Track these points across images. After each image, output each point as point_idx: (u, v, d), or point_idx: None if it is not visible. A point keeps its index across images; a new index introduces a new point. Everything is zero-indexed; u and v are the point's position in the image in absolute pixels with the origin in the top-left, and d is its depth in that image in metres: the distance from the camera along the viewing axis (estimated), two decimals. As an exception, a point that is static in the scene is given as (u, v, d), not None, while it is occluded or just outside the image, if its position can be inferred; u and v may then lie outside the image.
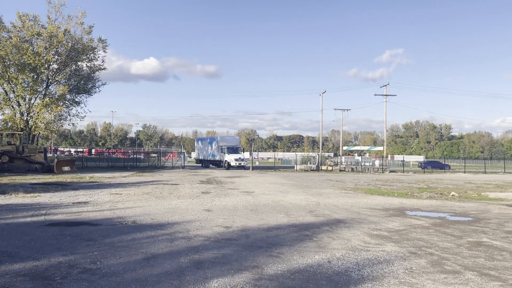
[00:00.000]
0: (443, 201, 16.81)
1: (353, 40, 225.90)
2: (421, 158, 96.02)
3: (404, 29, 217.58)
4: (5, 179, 22.04)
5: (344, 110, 64.74)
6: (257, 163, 70.17)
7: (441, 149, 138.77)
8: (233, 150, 45.28)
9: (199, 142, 56.71)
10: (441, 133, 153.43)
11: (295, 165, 49.78)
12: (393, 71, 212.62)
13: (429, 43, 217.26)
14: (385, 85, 53.13)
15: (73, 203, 13.19)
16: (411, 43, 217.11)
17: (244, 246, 7.58)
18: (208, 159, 49.33)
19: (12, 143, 30.48)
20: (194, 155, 68.86)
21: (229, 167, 43.92)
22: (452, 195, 18.80)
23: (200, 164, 53.41)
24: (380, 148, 75.20)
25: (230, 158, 44.18)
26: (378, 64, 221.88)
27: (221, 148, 45.83)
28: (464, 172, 49.90)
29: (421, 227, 10.16)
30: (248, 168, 45.06)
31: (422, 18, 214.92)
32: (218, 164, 47.17)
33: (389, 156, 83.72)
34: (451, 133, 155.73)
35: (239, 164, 44.01)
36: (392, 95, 53.64)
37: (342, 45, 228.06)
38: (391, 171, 49.45)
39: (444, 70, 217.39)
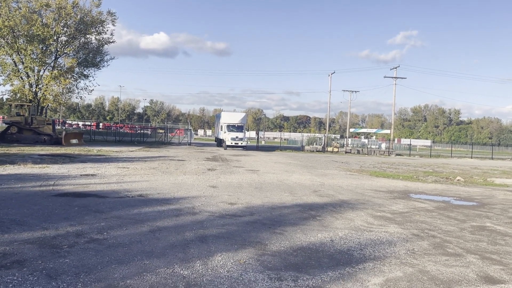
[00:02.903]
0: (448, 185, 16.80)
1: (367, 20, 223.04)
2: (428, 143, 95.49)
3: (419, 10, 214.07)
4: (14, 150, 22.29)
5: (352, 91, 64.12)
6: (263, 143, 70.28)
7: (449, 134, 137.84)
8: (235, 128, 40.00)
9: (216, 119, 52.67)
10: (450, 118, 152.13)
11: (301, 146, 49.76)
12: (406, 54, 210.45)
13: (444, 26, 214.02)
14: (395, 68, 52.45)
15: (81, 175, 13.36)
16: (426, 25, 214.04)
17: (248, 223, 7.67)
18: (219, 137, 45.10)
19: (21, 114, 30.65)
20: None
21: (226, 146, 38.96)
22: (458, 180, 18.77)
23: (216, 142, 49.48)
24: (387, 131, 74.85)
25: (227, 136, 39.04)
26: (392, 45, 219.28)
27: (221, 126, 41.23)
28: (471, 157, 49.64)
29: (425, 210, 10.20)
30: (247, 148, 40.40)
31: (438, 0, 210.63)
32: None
33: (395, 139, 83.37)
34: (460, 118, 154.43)
35: (235, 143, 38.74)
36: (402, 78, 52.81)
37: (355, 25, 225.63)
38: (397, 155, 49.32)
39: (457, 54, 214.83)
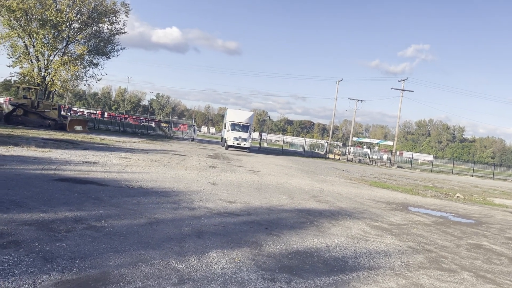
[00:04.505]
0: (447, 201, 16.77)
1: (380, 30, 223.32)
2: (430, 157, 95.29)
3: (433, 25, 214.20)
4: (18, 132, 22.37)
5: (358, 100, 64.07)
6: (265, 144, 70.33)
7: (451, 150, 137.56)
8: (240, 127, 36.26)
9: (224, 117, 48.38)
10: (454, 134, 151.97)
11: (303, 150, 49.76)
12: (416, 67, 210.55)
13: (456, 42, 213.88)
14: (403, 80, 52.36)
15: (83, 161, 13.39)
16: (438, 40, 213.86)
17: (245, 222, 7.69)
18: (223, 135, 41.23)
19: (28, 97, 30.74)
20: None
21: (228, 146, 35.59)
22: (457, 197, 18.73)
23: (221, 141, 45.17)
24: (390, 142, 74.76)
25: (229, 135, 35.48)
26: (402, 58, 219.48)
27: (225, 124, 37.96)
28: (472, 175, 49.50)
29: (423, 224, 10.19)
30: (250, 150, 37.23)
31: (454, 16, 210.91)
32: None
33: (398, 151, 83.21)
34: (463, 136, 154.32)
35: (237, 144, 35.12)
36: (409, 91, 52.67)
37: (368, 34, 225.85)
38: (398, 167, 49.25)
39: (466, 71, 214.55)
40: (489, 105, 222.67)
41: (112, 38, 40.15)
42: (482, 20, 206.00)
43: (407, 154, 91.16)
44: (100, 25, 38.51)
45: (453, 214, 12.92)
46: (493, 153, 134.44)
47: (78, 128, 32.02)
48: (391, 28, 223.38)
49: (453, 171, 52.38)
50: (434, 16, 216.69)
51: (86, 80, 40.13)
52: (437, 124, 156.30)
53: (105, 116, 74.56)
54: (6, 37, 33.85)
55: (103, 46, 39.74)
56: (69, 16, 34.86)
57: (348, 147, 56.72)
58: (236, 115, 37.63)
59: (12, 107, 31.40)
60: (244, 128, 36.42)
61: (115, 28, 39.25)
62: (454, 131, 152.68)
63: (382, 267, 5.99)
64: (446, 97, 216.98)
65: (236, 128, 36.11)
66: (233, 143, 35.13)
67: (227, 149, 35.48)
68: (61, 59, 35.42)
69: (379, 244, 7.40)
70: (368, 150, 65.76)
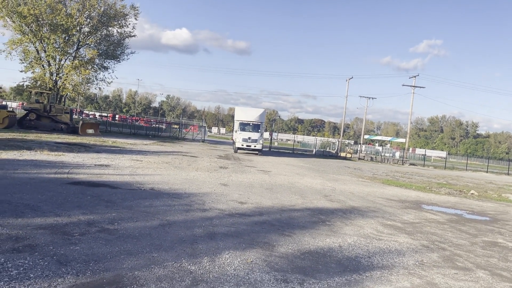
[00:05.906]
0: (461, 198, 16.57)
1: (391, 26, 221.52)
2: (443, 154, 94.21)
3: (446, 20, 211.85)
4: (32, 136, 22.66)
5: (369, 98, 63.63)
6: (276, 144, 70.23)
7: (465, 146, 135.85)
8: (250, 126, 32.03)
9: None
10: (467, 130, 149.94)
11: (314, 149, 49.59)
12: (428, 63, 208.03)
13: (469, 37, 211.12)
14: (415, 76, 51.80)
15: (95, 165, 13.52)
16: (451, 35, 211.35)
17: (257, 223, 7.69)
18: (233, 137, 38.19)
19: (40, 101, 31.14)
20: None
21: (237, 149, 31.86)
22: (471, 194, 18.49)
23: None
24: (402, 140, 74.10)
25: (238, 137, 31.52)
26: (414, 54, 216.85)
27: (234, 123, 33.92)
28: (487, 171, 48.84)
29: (436, 222, 10.08)
30: (261, 153, 32.79)
31: (467, 11, 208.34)
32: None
33: (410, 148, 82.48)
34: (477, 131, 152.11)
35: (247, 146, 31.11)
36: (421, 87, 52.30)
37: (378, 30, 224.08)
38: (411, 164, 48.79)
39: (479, 66, 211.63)
40: (504, 100, 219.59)
41: (122, 41, 40.47)
42: (495, 14, 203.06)
43: (419, 151, 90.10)
44: (110, 28, 38.83)
45: (468, 212, 12.76)
46: (508, 148, 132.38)
47: (90, 131, 32.33)
48: (403, 24, 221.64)
49: (467, 167, 51.72)
50: (447, 11, 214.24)
51: (97, 84, 40.47)
52: (450, 120, 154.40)
53: (116, 118, 75.18)
54: (18, 42, 34.34)
55: (113, 50, 40.08)
56: (79, 21, 35.21)
57: (359, 145, 56.41)
58: (245, 113, 33.29)
59: (25, 112, 31.84)
60: (255, 127, 32.16)
61: (124, 31, 39.56)
62: (468, 127, 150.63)
63: (396, 266, 5.94)
64: (459, 93, 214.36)
65: (246, 128, 32.05)
66: (242, 145, 31.22)
67: (236, 151, 32.24)
68: (72, 63, 35.80)
69: (392, 243, 7.34)
70: (380, 148, 65.21)
